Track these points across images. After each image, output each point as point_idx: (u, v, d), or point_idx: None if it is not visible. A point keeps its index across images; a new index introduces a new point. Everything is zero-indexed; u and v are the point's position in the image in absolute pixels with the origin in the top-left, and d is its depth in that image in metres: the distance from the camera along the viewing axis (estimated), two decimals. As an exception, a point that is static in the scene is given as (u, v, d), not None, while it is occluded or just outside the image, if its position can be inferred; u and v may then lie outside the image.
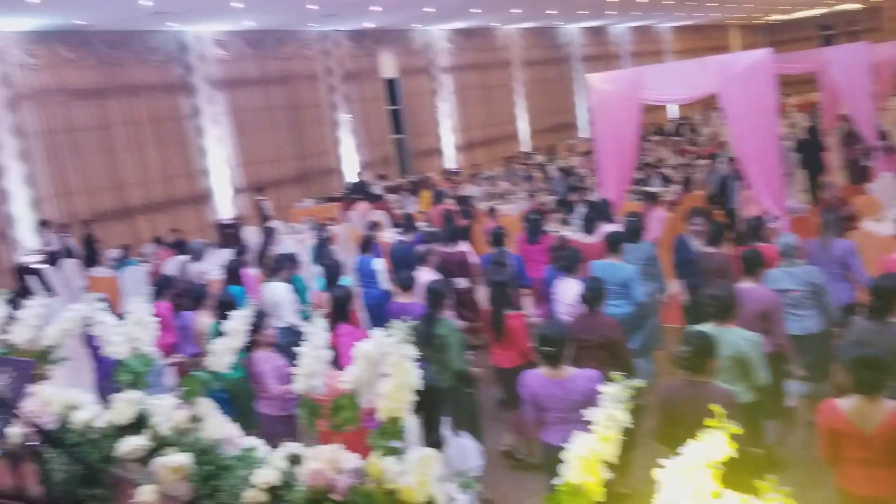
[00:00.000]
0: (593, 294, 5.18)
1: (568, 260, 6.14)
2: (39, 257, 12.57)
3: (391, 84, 20.77)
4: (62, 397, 3.44)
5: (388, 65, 20.47)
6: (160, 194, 15.38)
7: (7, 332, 4.09)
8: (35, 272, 11.84)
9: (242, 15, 14.83)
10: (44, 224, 13.10)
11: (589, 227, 7.98)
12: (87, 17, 12.91)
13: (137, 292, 9.01)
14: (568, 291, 5.79)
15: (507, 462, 5.72)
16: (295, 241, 11.28)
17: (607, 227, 7.65)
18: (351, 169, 19.06)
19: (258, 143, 17.19)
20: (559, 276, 6.20)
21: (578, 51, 27.65)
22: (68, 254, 12.61)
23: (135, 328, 3.63)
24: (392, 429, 2.87)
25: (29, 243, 13.02)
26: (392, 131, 20.77)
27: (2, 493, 3.34)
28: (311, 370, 3.27)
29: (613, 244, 6.44)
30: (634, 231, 7.08)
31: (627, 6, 23.00)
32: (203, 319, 6.24)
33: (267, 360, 4.95)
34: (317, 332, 3.31)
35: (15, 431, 3.11)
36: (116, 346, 3.62)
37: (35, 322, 4.11)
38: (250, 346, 4.95)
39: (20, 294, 7.34)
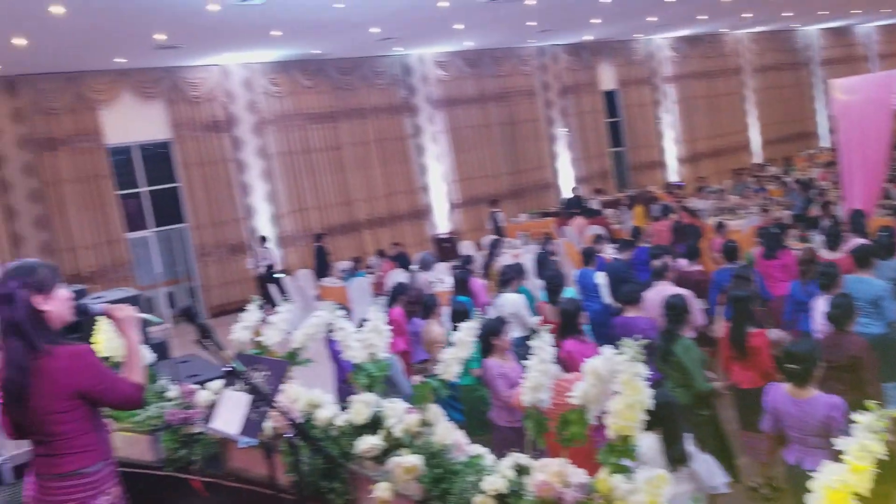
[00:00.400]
0: (842, 311, 4.79)
1: (826, 276, 5.69)
2: (264, 268, 13.71)
3: (610, 96, 20.44)
4: (307, 396, 3.72)
5: (606, 77, 20.19)
6: (383, 209, 16.28)
7: (260, 334, 4.50)
8: (274, 281, 12.95)
9: (463, 36, 15.34)
10: (263, 240, 14.24)
11: (833, 243, 7.36)
12: (322, 46, 13.99)
13: (363, 302, 9.61)
14: (822, 309, 5.37)
15: (741, 486, 5.35)
16: (511, 255, 11.40)
17: (854, 242, 7.01)
18: (567, 183, 18.99)
19: (475, 159, 17.65)
20: (813, 293, 5.80)
21: (818, 54, 25.62)
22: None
23: (372, 335, 3.84)
24: (622, 447, 2.80)
25: (263, 257, 14.18)
26: (610, 144, 20.37)
27: (255, 480, 3.66)
28: (537, 383, 3.27)
29: (863, 258, 5.93)
30: (886, 246, 6.53)
31: (876, 4, 20.84)
32: (433, 327, 6.49)
33: (500, 367, 5.00)
34: (543, 346, 3.31)
35: (268, 425, 3.39)
36: (355, 350, 3.86)
37: (284, 327, 4.49)
38: (486, 352, 5.03)
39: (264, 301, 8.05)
